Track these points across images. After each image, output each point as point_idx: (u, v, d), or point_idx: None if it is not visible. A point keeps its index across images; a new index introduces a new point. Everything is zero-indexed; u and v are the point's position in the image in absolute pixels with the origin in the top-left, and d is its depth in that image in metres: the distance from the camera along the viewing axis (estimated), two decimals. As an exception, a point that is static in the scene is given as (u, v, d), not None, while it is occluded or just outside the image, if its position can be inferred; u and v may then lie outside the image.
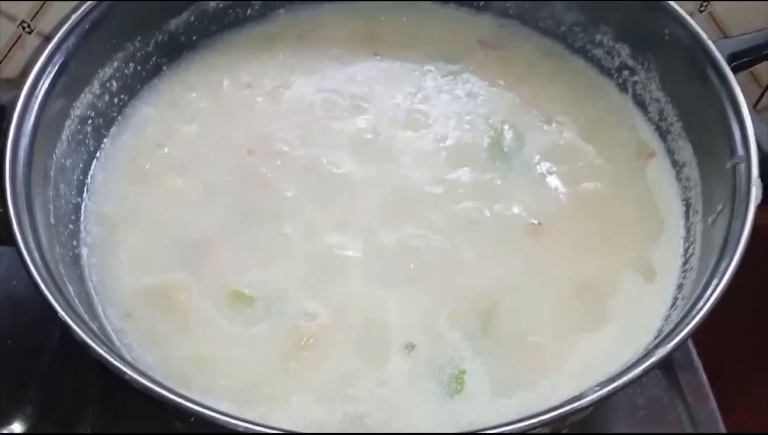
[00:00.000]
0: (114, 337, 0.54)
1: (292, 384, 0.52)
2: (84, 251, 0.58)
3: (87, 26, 0.59)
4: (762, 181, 0.52)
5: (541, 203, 0.60)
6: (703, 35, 0.59)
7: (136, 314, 0.55)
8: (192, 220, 0.60)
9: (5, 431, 0.59)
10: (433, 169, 0.62)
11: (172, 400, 0.43)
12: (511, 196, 0.61)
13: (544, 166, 0.63)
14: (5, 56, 0.79)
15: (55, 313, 0.46)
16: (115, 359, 0.45)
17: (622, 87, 0.68)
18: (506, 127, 0.65)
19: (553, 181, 0.62)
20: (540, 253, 0.58)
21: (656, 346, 0.45)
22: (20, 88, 0.55)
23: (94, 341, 0.45)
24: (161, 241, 0.59)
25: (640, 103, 0.67)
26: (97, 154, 0.63)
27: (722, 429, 0.61)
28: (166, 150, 0.63)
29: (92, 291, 0.56)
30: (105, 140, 0.64)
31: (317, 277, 0.57)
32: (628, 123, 0.66)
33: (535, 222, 0.59)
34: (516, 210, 0.60)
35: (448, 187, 0.61)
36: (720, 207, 0.54)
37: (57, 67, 0.57)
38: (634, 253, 0.59)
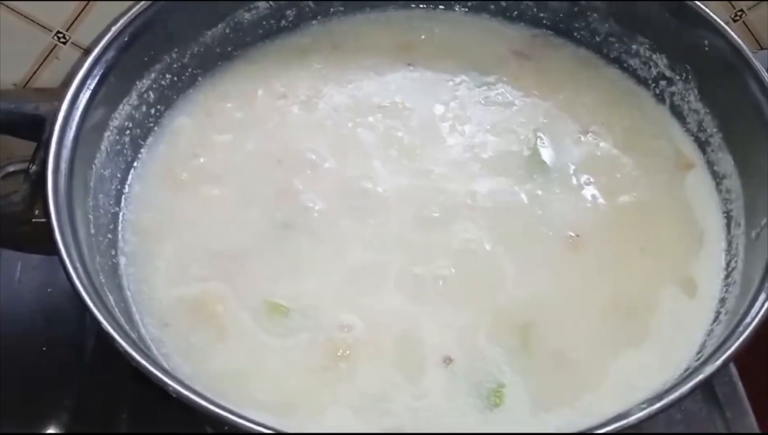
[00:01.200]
0: (152, 346, 0.54)
1: (329, 396, 0.52)
2: (122, 261, 0.58)
3: (126, 39, 0.59)
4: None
5: (580, 215, 0.60)
6: (744, 47, 0.59)
7: (173, 324, 0.55)
8: (227, 230, 0.60)
9: (41, 438, 0.60)
10: (468, 180, 0.62)
11: (217, 414, 0.43)
12: (549, 208, 0.60)
13: (581, 178, 0.62)
14: (40, 66, 0.81)
15: (98, 323, 0.46)
16: (158, 370, 0.45)
17: (659, 97, 0.67)
18: (542, 137, 0.65)
19: (590, 192, 0.62)
20: (579, 266, 0.57)
21: (703, 363, 0.45)
22: (60, 100, 0.55)
23: (136, 352, 0.45)
24: (197, 250, 0.59)
25: (678, 114, 0.66)
26: (135, 164, 0.63)
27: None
28: (202, 160, 0.64)
29: (130, 300, 0.56)
30: (142, 150, 0.64)
31: (352, 289, 0.56)
32: (666, 133, 0.66)
33: (573, 234, 0.59)
34: (554, 222, 0.59)
35: (484, 199, 0.61)
36: (764, 221, 0.53)
37: (97, 79, 0.57)
38: (674, 266, 0.58)
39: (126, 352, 0.46)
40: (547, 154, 0.64)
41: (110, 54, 0.58)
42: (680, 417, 0.61)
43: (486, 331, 0.54)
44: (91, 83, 0.57)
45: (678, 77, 0.65)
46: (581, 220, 0.60)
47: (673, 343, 0.54)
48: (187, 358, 0.54)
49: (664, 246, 0.59)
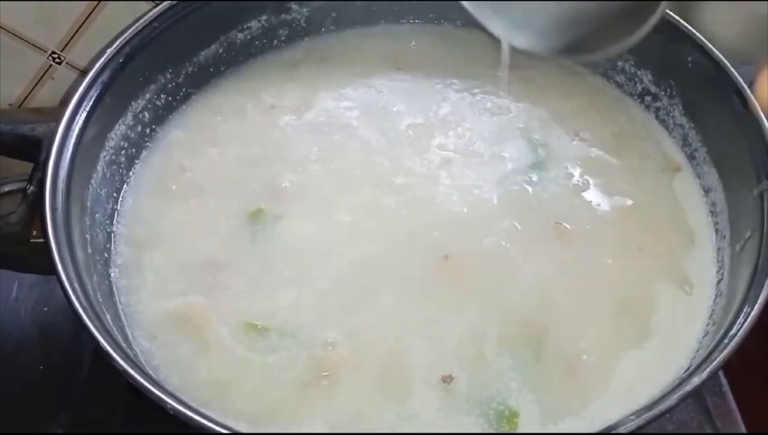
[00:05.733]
0: (142, 359, 0.54)
1: (307, 410, 0.52)
2: (114, 273, 0.59)
3: (121, 60, 0.60)
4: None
5: (577, 216, 0.61)
6: (727, 62, 0.60)
7: (160, 336, 0.56)
8: (210, 243, 0.60)
9: (38, 455, 0.60)
10: (462, 181, 0.63)
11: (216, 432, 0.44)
12: (547, 209, 0.61)
13: (577, 179, 0.64)
14: (35, 86, 0.81)
15: (97, 342, 0.47)
16: (156, 388, 0.45)
17: (646, 107, 0.69)
18: (536, 139, 0.66)
19: (587, 193, 0.63)
20: (580, 266, 0.58)
21: (690, 375, 0.46)
22: (57, 121, 0.56)
23: (134, 370, 0.46)
24: (182, 263, 0.59)
25: (664, 126, 0.67)
26: (128, 179, 0.64)
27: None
28: (191, 172, 0.64)
29: (121, 313, 0.57)
30: (136, 165, 0.65)
31: (339, 302, 0.56)
32: (653, 137, 0.67)
33: (569, 228, 0.60)
34: (553, 223, 0.60)
35: (479, 201, 0.61)
36: (748, 234, 0.54)
37: (93, 100, 0.58)
38: (670, 264, 0.59)
39: (125, 370, 0.46)
40: (542, 156, 0.65)
41: (106, 75, 0.59)
42: (671, 427, 0.61)
43: (490, 343, 0.54)
44: (87, 104, 0.57)
45: (663, 93, 0.67)
46: (580, 220, 0.61)
47: (673, 344, 0.55)
48: (175, 369, 0.54)
49: (659, 244, 0.60)
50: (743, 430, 0.62)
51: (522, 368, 0.53)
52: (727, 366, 0.62)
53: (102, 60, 0.59)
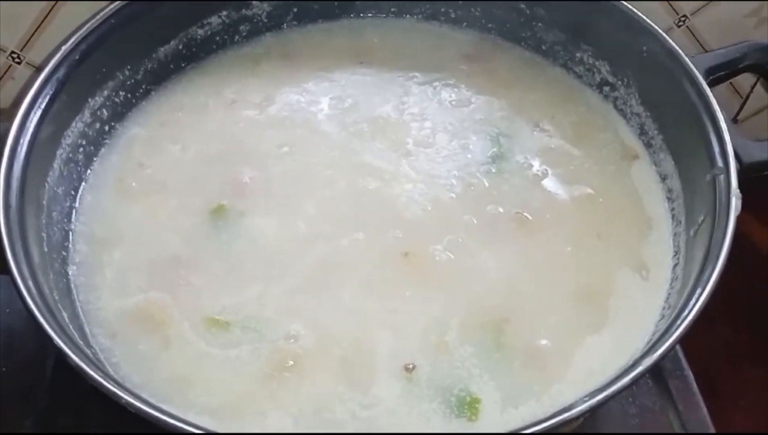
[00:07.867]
0: (102, 356, 0.54)
1: (270, 404, 0.52)
2: (72, 270, 0.58)
3: (77, 57, 0.60)
4: (741, 192, 0.54)
5: (537, 205, 0.61)
6: (680, 51, 0.61)
7: (121, 334, 0.55)
8: (172, 240, 0.60)
9: (4, 461, 0.59)
10: (424, 174, 0.63)
11: (176, 427, 0.43)
12: (508, 199, 0.62)
13: (537, 169, 0.64)
14: (-5, 86, 0.80)
15: (50, 338, 0.47)
16: (111, 384, 0.45)
17: (605, 96, 0.70)
18: (497, 131, 0.66)
19: (546, 183, 0.63)
20: (540, 255, 0.59)
21: (643, 356, 0.46)
22: (11, 120, 0.56)
23: (89, 366, 0.46)
24: (143, 260, 0.59)
25: (622, 116, 0.68)
26: (87, 176, 0.63)
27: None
28: (151, 169, 0.64)
29: (80, 311, 0.56)
30: (95, 161, 0.64)
31: (302, 297, 0.56)
32: (611, 127, 0.68)
33: (530, 218, 0.60)
34: (513, 213, 0.61)
35: (440, 193, 0.62)
36: (701, 218, 0.55)
37: (48, 97, 0.57)
38: (628, 251, 0.60)
39: (80, 367, 0.46)
40: (503, 147, 0.65)
41: (61, 72, 0.59)
42: (635, 411, 0.62)
43: (452, 332, 0.54)
44: (42, 102, 0.57)
45: (620, 83, 0.67)
46: (540, 209, 0.61)
47: (630, 325, 0.55)
48: (136, 366, 0.54)
49: (617, 232, 0.61)
50: (705, 412, 0.62)
51: (483, 356, 0.54)
52: (688, 349, 0.64)
53: (57, 57, 0.59)
